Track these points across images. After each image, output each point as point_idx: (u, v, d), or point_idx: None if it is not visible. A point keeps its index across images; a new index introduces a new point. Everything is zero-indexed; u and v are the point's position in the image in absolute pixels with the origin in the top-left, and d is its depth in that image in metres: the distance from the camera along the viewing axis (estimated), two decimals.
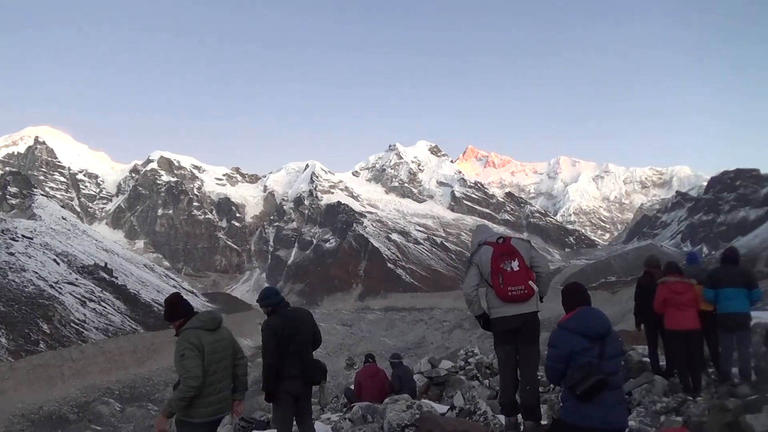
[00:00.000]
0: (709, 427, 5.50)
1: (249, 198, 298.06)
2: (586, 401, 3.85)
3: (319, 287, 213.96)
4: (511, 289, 5.31)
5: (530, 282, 5.40)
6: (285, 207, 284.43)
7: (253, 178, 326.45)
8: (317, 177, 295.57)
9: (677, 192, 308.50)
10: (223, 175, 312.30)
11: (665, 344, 8.92)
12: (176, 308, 5.42)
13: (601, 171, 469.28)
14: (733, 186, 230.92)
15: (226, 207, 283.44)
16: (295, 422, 6.18)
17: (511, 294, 5.30)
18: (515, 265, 5.43)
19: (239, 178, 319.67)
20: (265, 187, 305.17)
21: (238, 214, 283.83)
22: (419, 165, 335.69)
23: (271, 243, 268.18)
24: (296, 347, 6.03)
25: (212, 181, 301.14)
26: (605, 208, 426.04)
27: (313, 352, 6.33)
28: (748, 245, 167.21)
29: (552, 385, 9.89)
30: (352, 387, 11.44)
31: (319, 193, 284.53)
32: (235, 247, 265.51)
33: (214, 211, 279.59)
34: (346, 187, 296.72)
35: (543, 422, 5.38)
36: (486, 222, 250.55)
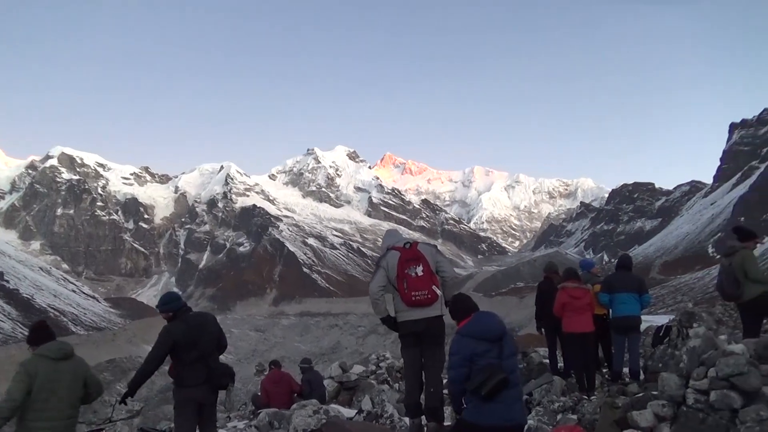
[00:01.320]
0: (600, 424, 5.80)
1: (159, 199, 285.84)
2: (489, 400, 3.97)
3: (232, 292, 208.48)
4: (415, 293, 5.39)
5: (434, 287, 5.50)
6: (197, 209, 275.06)
7: (164, 179, 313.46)
8: (232, 179, 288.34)
9: (581, 203, 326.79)
10: (131, 174, 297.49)
11: (563, 346, 9.37)
12: (36, 335, 5.35)
13: (513, 181, 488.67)
14: (631, 198, 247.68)
15: (133, 208, 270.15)
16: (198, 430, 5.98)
17: (414, 298, 5.37)
18: (419, 270, 5.51)
19: (148, 177, 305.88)
20: (177, 188, 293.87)
21: (146, 216, 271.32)
22: (337, 170, 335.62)
23: (182, 246, 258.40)
24: (199, 353, 5.85)
25: (118, 181, 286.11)
26: (516, 216, 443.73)
27: (224, 359, 6.16)
28: (643, 254, 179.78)
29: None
30: (260, 393, 11.21)
31: (234, 196, 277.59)
32: (143, 249, 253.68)
33: (119, 212, 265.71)
34: (262, 191, 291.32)
35: (446, 423, 5.48)
36: (401, 227, 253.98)
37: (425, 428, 5.36)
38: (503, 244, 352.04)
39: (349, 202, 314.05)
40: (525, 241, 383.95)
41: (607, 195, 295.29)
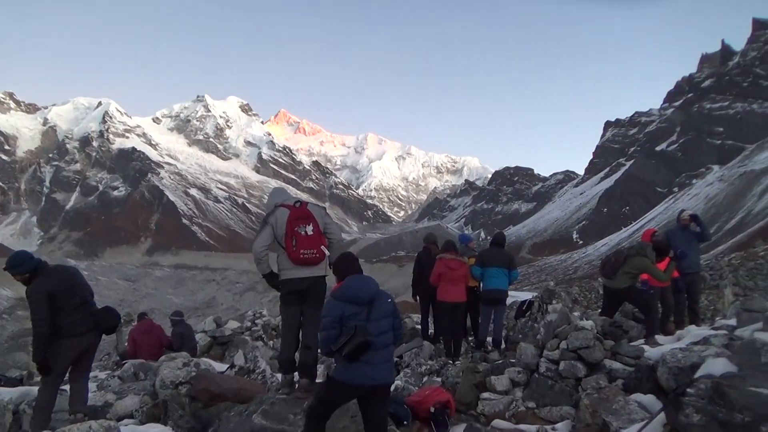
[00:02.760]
0: (461, 387, 6.20)
1: (23, 130, 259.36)
2: (352, 361, 4.11)
3: (102, 238, 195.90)
4: (304, 252, 5.38)
5: (322, 247, 5.54)
6: (68, 146, 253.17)
7: (31, 108, 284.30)
8: (111, 118, 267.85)
9: (466, 180, 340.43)
10: None
11: (435, 314, 9.85)
12: None
13: (404, 152, 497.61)
14: (511, 181, 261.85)
15: None
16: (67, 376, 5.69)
17: (303, 256, 5.37)
18: (309, 229, 5.51)
19: (13, 105, 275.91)
20: (46, 119, 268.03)
21: (7, 147, 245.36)
22: (227, 121, 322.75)
23: (47, 184, 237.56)
24: (81, 299, 5.61)
25: None
26: (403, 187, 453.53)
27: None
28: (517, 233, 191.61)
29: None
30: (127, 344, 10.73)
31: (111, 136, 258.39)
32: (0, 183, 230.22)
33: None
34: (143, 133, 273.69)
35: (318, 380, 5.58)
36: (289, 187, 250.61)
37: (296, 384, 5.42)
38: (389, 213, 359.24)
39: (237, 156, 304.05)
40: (410, 212, 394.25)
41: (490, 175, 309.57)
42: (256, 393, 5.93)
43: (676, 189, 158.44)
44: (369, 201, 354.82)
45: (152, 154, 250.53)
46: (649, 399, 4.57)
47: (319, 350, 5.60)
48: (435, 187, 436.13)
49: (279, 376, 6.33)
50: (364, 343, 4.07)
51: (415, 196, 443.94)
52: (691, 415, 3.03)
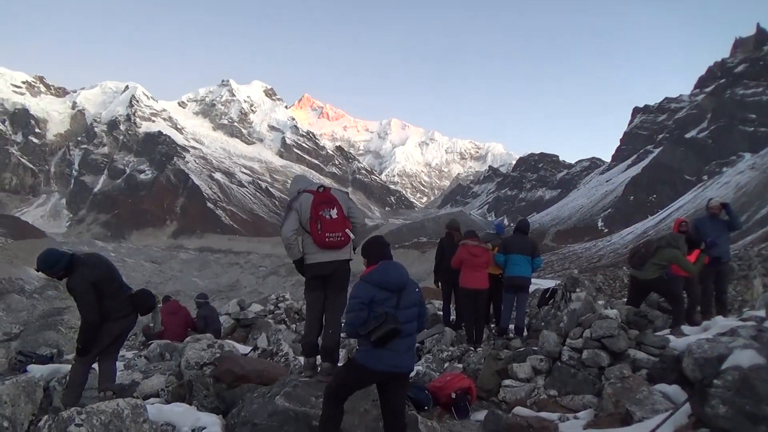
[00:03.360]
0: (483, 373, 6.21)
1: (53, 113, 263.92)
2: (378, 347, 4.13)
3: (129, 220, 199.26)
4: (329, 235, 5.39)
5: (347, 230, 5.55)
6: (96, 129, 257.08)
7: (60, 92, 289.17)
8: (138, 101, 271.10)
9: (490, 167, 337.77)
10: (23, 82, 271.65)
11: (457, 300, 9.83)
12: None
13: (428, 138, 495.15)
14: (536, 168, 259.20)
15: (23, 119, 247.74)
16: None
17: (328, 240, 5.38)
18: (334, 213, 5.52)
19: (43, 88, 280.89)
20: (75, 103, 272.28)
21: (37, 130, 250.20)
22: (252, 106, 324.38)
23: (76, 166, 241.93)
24: (118, 285, 5.83)
25: (8, 88, 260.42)
26: (426, 173, 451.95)
27: None
28: (540, 221, 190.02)
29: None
30: (151, 325, 10.93)
31: (138, 120, 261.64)
32: (31, 165, 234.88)
33: (7, 122, 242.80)
34: (169, 117, 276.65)
35: (339, 364, 5.63)
36: (312, 172, 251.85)
37: (319, 368, 5.47)
38: (411, 199, 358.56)
39: (261, 140, 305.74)
40: (432, 198, 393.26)
41: (514, 162, 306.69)
42: (278, 375, 5.99)
43: (705, 177, 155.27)
44: (392, 187, 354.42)
45: (178, 138, 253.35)
46: (674, 389, 4.52)
47: (342, 334, 5.64)
48: (458, 174, 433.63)
49: (301, 359, 6.39)
50: (394, 331, 4.10)
51: (438, 182, 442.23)
52: (717, 407, 2.99)
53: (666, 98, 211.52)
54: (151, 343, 9.19)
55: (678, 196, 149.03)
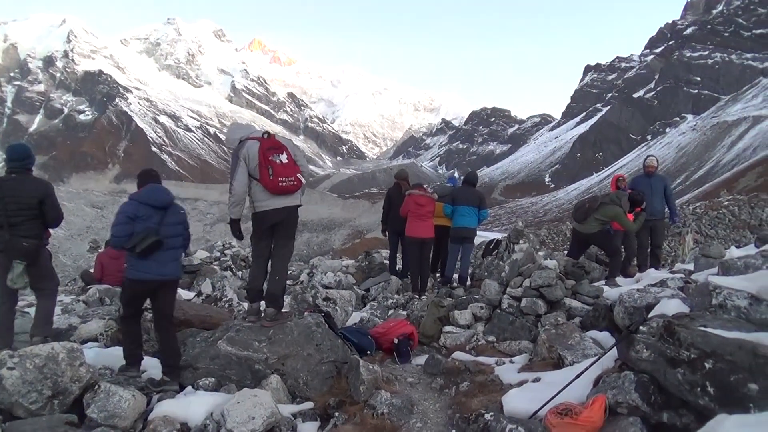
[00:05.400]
0: (425, 320, 6.37)
1: None
2: (143, 258, 4.61)
3: (68, 163, 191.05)
4: (282, 179, 5.25)
5: (299, 174, 5.45)
6: (31, 65, 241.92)
7: None
8: (76, 37, 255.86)
9: (443, 119, 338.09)
10: None
11: (403, 249, 9.96)
12: None
13: (382, 88, 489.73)
14: (488, 122, 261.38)
15: None
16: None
17: (282, 185, 5.23)
18: (284, 158, 5.38)
19: None
20: (6, 36, 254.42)
21: None
22: (200, 47, 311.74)
23: (9, 104, 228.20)
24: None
25: None
26: (379, 123, 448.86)
27: (54, 233, 5.73)
28: (490, 175, 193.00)
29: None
30: (92, 270, 10.62)
31: (76, 57, 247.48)
32: None
33: None
34: (111, 55, 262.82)
35: (284, 311, 5.64)
36: (262, 118, 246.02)
37: (263, 313, 5.46)
38: (363, 149, 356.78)
39: (209, 84, 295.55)
40: (385, 149, 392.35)
41: (467, 115, 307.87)
42: (222, 320, 5.97)
43: (649, 137, 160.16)
44: (344, 136, 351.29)
45: (120, 78, 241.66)
46: (604, 336, 4.75)
47: (288, 281, 5.64)
48: (411, 125, 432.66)
49: (246, 304, 6.37)
50: (156, 243, 4.61)
51: (390, 133, 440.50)
52: (641, 351, 3.14)
53: (617, 57, 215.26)
54: (90, 287, 8.96)
55: (623, 154, 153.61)
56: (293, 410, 4.47)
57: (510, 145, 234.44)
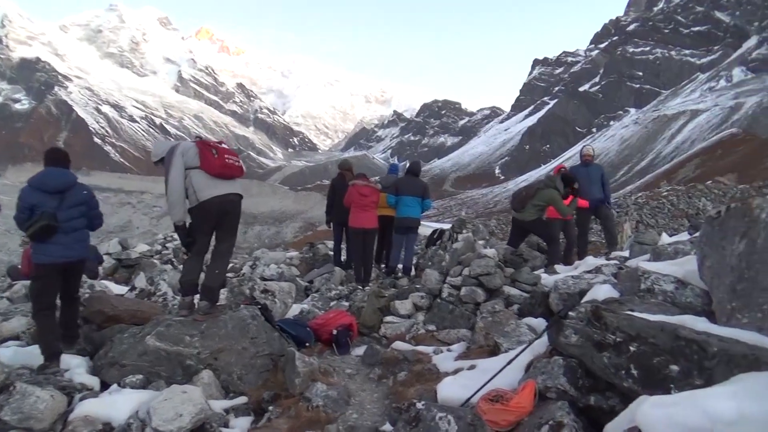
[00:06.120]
0: (365, 310, 6.31)
1: None
2: (39, 242, 4.68)
3: (3, 154, 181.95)
4: (228, 157, 5.08)
5: (240, 161, 5.29)
6: None
7: None
8: (11, 22, 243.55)
9: (394, 111, 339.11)
10: None
11: (347, 240, 9.89)
12: None
13: (333, 79, 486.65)
14: (439, 114, 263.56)
15: None
16: None
17: (228, 161, 5.03)
18: (224, 146, 5.27)
19: None
20: None
21: None
22: (144, 35, 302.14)
23: None
24: None
25: None
26: (330, 115, 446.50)
27: None
28: (441, 167, 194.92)
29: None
30: (20, 266, 10.10)
31: (11, 43, 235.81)
32: None
33: None
34: (49, 42, 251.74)
35: (219, 304, 5.46)
36: (211, 109, 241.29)
37: (196, 306, 5.26)
38: (315, 141, 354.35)
39: (154, 73, 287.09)
40: (336, 140, 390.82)
41: (418, 107, 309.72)
42: (154, 315, 5.73)
43: (594, 129, 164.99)
44: (295, 128, 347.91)
45: (59, 66, 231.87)
46: (539, 322, 4.79)
47: (229, 274, 5.49)
48: (363, 117, 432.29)
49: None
50: (47, 227, 4.62)
51: (342, 124, 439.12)
52: (569, 336, 3.16)
53: (564, 52, 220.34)
54: (16, 283, 8.50)
55: (570, 146, 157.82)
56: (225, 405, 4.34)
57: (461, 137, 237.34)
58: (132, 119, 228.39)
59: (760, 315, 2.90)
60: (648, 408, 2.31)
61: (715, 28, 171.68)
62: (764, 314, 2.87)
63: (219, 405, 4.27)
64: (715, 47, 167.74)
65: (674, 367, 2.62)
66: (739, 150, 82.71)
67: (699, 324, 2.89)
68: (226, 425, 4.05)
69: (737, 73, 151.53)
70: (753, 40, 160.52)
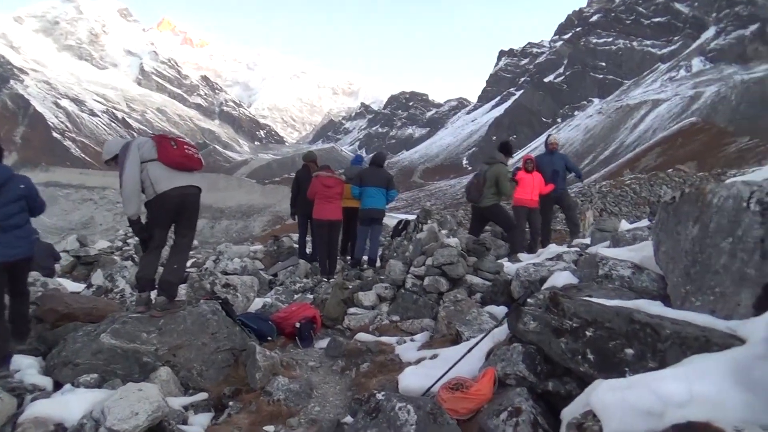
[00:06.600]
0: (329, 303, 6.25)
1: None
2: None
3: None
4: (188, 148, 4.98)
5: (200, 154, 5.19)
6: None
7: None
8: None
9: (362, 103, 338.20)
10: None
11: (312, 232, 9.81)
12: None
13: (299, 71, 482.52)
14: (406, 105, 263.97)
15: None
16: None
17: (188, 152, 4.95)
18: (184, 139, 5.17)
19: None
20: None
21: None
22: (103, 26, 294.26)
23: None
24: None
25: None
26: (297, 107, 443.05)
27: None
28: (409, 158, 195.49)
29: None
30: None
31: None
32: None
33: None
34: (3, 34, 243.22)
35: (178, 299, 5.33)
36: (175, 102, 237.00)
37: (153, 302, 5.13)
38: (282, 134, 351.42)
39: (115, 66, 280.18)
40: (304, 133, 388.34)
41: (386, 99, 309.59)
42: (110, 312, 5.58)
43: (559, 120, 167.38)
44: (261, 120, 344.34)
45: (14, 59, 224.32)
46: (501, 310, 4.81)
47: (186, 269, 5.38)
48: (330, 109, 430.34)
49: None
50: None
51: (309, 117, 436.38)
52: (528, 323, 3.17)
53: (529, 43, 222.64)
54: None
55: (536, 136, 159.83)
56: (185, 402, 4.25)
57: (428, 128, 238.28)
58: (93, 113, 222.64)
59: (712, 297, 2.94)
60: (602, 392, 2.32)
61: (675, 19, 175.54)
62: (716, 297, 2.91)
63: (178, 402, 4.19)
64: (675, 38, 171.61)
65: (629, 351, 2.64)
66: (698, 138, 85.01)
67: (653, 308, 2.92)
68: (185, 422, 3.97)
69: (696, 63, 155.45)
70: (711, 31, 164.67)
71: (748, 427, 1.73)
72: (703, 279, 3.02)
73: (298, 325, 5.57)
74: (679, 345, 2.53)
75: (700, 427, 1.77)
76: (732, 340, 2.38)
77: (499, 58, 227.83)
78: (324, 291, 6.83)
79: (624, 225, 6.42)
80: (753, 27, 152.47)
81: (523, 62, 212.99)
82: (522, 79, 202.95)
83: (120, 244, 13.15)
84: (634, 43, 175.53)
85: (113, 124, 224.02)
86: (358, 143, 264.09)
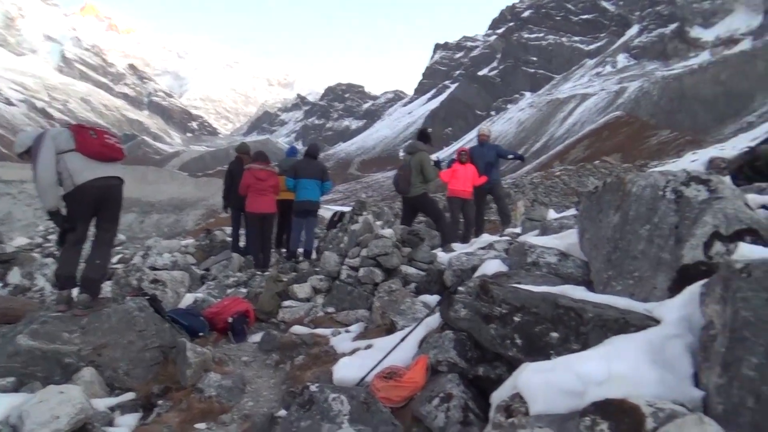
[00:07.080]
0: (263, 296, 6.17)
1: None
2: None
3: None
4: (108, 137, 4.75)
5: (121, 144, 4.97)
6: None
7: None
8: None
9: (298, 94, 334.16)
10: None
11: (245, 225, 9.63)
12: None
13: (233, 61, 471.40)
14: (343, 97, 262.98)
15: None
16: None
17: (108, 141, 4.72)
18: (104, 128, 4.94)
19: None
20: None
21: None
22: (20, 9, 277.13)
23: None
24: None
25: None
26: (231, 98, 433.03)
27: None
28: (346, 150, 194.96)
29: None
30: None
31: None
32: None
33: None
34: None
35: (102, 297, 5.13)
36: (100, 92, 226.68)
37: (74, 300, 4.89)
38: (215, 125, 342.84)
39: (34, 52, 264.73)
40: (238, 125, 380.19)
41: (322, 91, 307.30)
42: (27, 312, 5.28)
43: (493, 112, 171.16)
44: (193, 111, 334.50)
45: None
46: (434, 299, 4.87)
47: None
48: (265, 100, 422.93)
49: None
50: None
51: (243, 108, 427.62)
52: (459, 311, 3.22)
53: (464, 36, 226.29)
54: None
55: (470, 129, 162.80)
56: (110, 403, 4.08)
57: (365, 120, 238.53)
58: (9, 102, 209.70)
59: (631, 282, 3.08)
60: (528, 374, 2.40)
61: (602, 17, 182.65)
62: (635, 281, 3.05)
63: (103, 403, 4.02)
64: (602, 35, 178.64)
65: (554, 334, 2.73)
66: (623, 131, 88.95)
67: (577, 293, 3.02)
68: (111, 424, 3.82)
69: (621, 59, 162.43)
70: (635, 29, 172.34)
71: (660, 401, 1.79)
72: (623, 264, 3.16)
73: (230, 320, 5.46)
74: (601, 327, 2.63)
75: (617, 404, 1.82)
76: (648, 321, 2.50)
77: (434, 51, 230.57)
78: (258, 284, 6.73)
79: (552, 214, 6.63)
80: (672, 26, 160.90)
81: (458, 55, 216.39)
82: (457, 72, 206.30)
83: (40, 240, 12.50)
84: (564, 39, 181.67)
85: (32, 114, 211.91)
86: (294, 135, 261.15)
